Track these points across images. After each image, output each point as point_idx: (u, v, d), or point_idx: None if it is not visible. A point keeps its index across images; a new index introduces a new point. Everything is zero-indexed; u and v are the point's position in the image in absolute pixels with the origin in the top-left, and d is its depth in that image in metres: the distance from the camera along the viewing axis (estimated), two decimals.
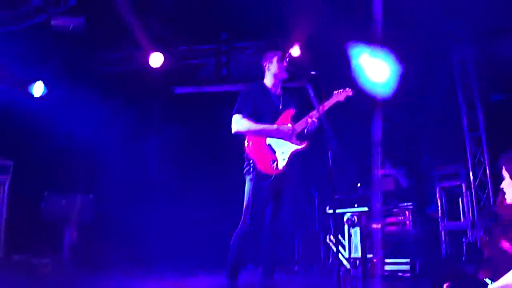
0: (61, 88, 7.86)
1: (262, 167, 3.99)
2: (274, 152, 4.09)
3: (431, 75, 7.06)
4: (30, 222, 7.15)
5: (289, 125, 4.20)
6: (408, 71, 6.54)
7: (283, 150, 4.12)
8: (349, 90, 4.38)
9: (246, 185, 4.08)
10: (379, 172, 6.42)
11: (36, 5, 6.57)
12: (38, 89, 7.77)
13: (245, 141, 4.10)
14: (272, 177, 4.00)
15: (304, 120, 4.23)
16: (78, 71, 7.87)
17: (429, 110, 7.15)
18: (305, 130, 4.22)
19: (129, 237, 7.21)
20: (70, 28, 6.54)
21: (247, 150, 4.07)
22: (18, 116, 7.35)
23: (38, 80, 7.75)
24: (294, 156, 4.15)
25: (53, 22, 6.53)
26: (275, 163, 4.04)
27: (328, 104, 4.23)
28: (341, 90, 4.37)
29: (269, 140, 4.11)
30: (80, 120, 7.59)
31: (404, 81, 6.52)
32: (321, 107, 4.08)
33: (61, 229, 7.45)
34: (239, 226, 4.02)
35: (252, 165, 4.01)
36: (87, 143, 7.83)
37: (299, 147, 4.19)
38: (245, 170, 4.11)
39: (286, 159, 4.10)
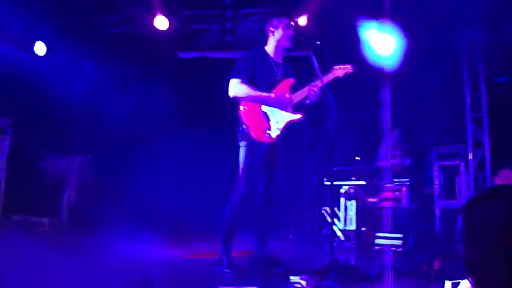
0: (62, 48, 7.79)
1: (255, 134, 3.99)
2: (269, 120, 4.08)
3: (436, 54, 6.98)
4: (29, 182, 7.19)
5: (286, 95, 4.17)
6: (414, 48, 6.48)
7: (278, 120, 4.11)
8: (349, 66, 4.29)
9: (240, 150, 4.09)
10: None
11: None
12: (40, 49, 7.71)
13: (241, 106, 4.08)
14: (265, 145, 4.00)
15: (303, 90, 4.20)
16: (80, 32, 7.78)
17: (433, 88, 7.10)
18: (307, 100, 4.20)
19: (127, 198, 7.26)
20: None
21: (241, 115, 4.05)
22: (19, 75, 7.31)
23: (39, 40, 7.67)
24: (288, 126, 4.15)
25: None
26: (268, 131, 4.04)
27: (326, 78, 4.16)
28: (341, 66, 4.28)
29: (264, 108, 4.09)
30: (80, 81, 7.55)
31: (409, 57, 6.46)
32: (320, 80, 4.05)
33: (60, 189, 7.51)
34: (234, 191, 4.04)
35: (245, 130, 3.99)
36: (88, 104, 7.82)
37: (295, 117, 4.18)
38: (238, 135, 4.10)
39: (280, 129, 4.10)
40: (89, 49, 7.80)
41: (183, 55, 8.45)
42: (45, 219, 6.81)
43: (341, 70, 4.25)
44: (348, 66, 4.28)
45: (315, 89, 4.15)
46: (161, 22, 7.31)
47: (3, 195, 7.02)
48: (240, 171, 4.04)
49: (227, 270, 3.85)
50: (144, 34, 7.63)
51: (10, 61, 7.26)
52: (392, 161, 6.72)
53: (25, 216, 6.91)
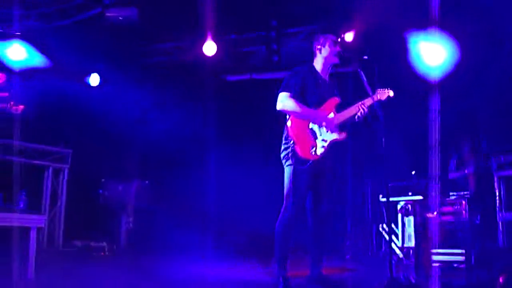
0: (116, 78, 8.09)
1: (301, 150, 3.96)
2: (316, 137, 4.05)
3: (488, 58, 6.77)
4: (88, 208, 7.44)
5: (332, 114, 4.15)
6: (464, 54, 6.31)
7: (324, 137, 4.08)
8: (391, 90, 4.27)
9: (286, 170, 4.05)
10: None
11: None
12: (94, 80, 8.03)
13: (288, 122, 4.06)
14: (310, 162, 3.97)
15: (353, 107, 4.17)
16: (132, 62, 8.06)
17: (488, 96, 6.87)
18: (356, 117, 4.16)
19: (183, 222, 7.37)
20: (123, 18, 6.68)
21: (289, 130, 4.02)
22: (76, 107, 7.63)
23: (94, 72, 8.00)
24: (333, 144, 4.12)
25: (107, 14, 6.69)
26: (314, 148, 4.01)
27: (368, 101, 4.13)
28: (384, 89, 4.25)
29: (311, 125, 4.08)
30: (134, 109, 7.79)
31: (462, 65, 6.30)
32: (362, 103, 4.06)
33: (118, 215, 7.73)
34: (282, 212, 4.01)
35: (291, 147, 3.97)
36: (142, 131, 8.05)
37: (339, 137, 4.15)
38: (283, 154, 4.06)
39: (325, 146, 4.07)
40: (141, 77, 8.05)
41: (230, 78, 8.57)
42: (104, 243, 7.00)
43: (383, 93, 4.22)
44: (389, 90, 4.25)
45: (364, 107, 4.12)
46: (209, 48, 7.46)
47: (64, 221, 7.28)
48: (287, 191, 4.01)
49: None
50: (193, 60, 7.81)
51: (68, 93, 7.60)
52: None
53: (85, 241, 7.14)
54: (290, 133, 4.00)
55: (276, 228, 4.01)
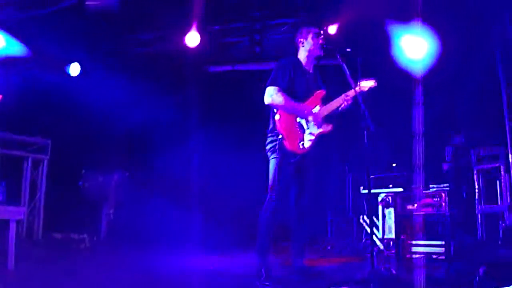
0: (96, 68, 7.98)
1: (289, 144, 3.98)
2: (304, 131, 4.08)
3: (471, 54, 6.83)
4: (68, 200, 7.35)
5: (317, 107, 4.17)
6: (447, 48, 6.36)
7: (311, 131, 4.11)
8: (374, 81, 4.30)
9: (271, 162, 4.08)
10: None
11: None
12: (74, 69, 7.91)
13: (276, 115, 4.06)
14: (298, 156, 4.00)
15: (336, 101, 4.21)
16: (113, 51, 7.96)
17: (468, 89, 6.94)
18: (340, 108, 4.20)
19: (165, 213, 7.34)
20: (103, 7, 6.58)
21: (277, 124, 4.03)
22: (55, 97, 7.51)
23: (74, 61, 7.88)
24: (319, 137, 4.14)
25: (87, 2, 6.58)
26: (302, 142, 4.04)
27: (352, 93, 4.16)
28: (366, 80, 4.28)
29: (299, 118, 4.09)
30: (115, 99, 7.69)
31: (443, 59, 6.34)
32: (346, 94, 4.14)
33: (99, 206, 7.67)
34: (266, 203, 4.04)
35: (278, 141, 3.98)
36: (123, 122, 7.96)
37: (326, 128, 4.18)
38: (269, 147, 4.09)
39: (312, 140, 4.09)
40: (121, 67, 7.96)
41: (213, 69, 8.53)
42: (85, 236, 6.94)
43: (366, 84, 4.26)
44: (372, 80, 4.28)
45: (348, 98, 4.15)
46: (192, 39, 7.39)
47: (44, 213, 7.19)
48: (271, 182, 4.03)
49: (266, 283, 3.82)
50: (175, 51, 7.74)
51: (47, 83, 7.48)
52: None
53: (66, 233, 7.06)
54: (278, 127, 4.01)
55: (259, 219, 4.03)
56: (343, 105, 4.20)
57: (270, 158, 4.08)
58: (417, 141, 6.01)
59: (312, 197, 4.24)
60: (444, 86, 6.91)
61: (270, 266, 3.97)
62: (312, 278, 4.03)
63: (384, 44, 6.48)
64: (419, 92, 6.07)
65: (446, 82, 6.80)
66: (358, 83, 4.20)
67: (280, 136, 3.99)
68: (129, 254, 6.11)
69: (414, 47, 6.56)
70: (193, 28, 7.27)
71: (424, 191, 6.46)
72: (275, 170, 4.00)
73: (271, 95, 4.03)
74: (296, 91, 4.11)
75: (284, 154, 3.97)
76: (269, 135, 4.13)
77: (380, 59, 6.38)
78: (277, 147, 3.99)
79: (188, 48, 7.47)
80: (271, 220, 3.99)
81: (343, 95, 4.18)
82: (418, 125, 6.11)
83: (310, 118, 4.10)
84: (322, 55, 4.26)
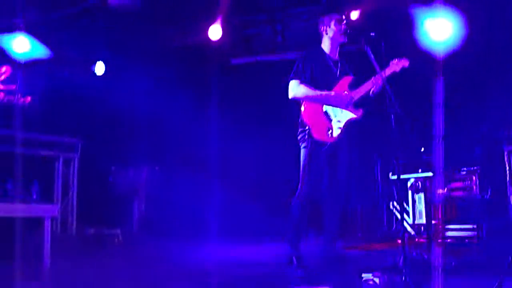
0: (121, 66, 8.08)
1: (317, 134, 3.97)
2: (330, 120, 4.05)
3: (497, 32, 6.68)
4: (100, 196, 7.50)
5: (346, 92, 4.14)
6: (472, 30, 6.24)
7: (339, 118, 4.08)
8: (406, 60, 4.24)
9: (301, 152, 4.09)
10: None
11: None
12: (99, 68, 8.03)
13: (301, 107, 4.06)
14: (327, 145, 3.99)
15: (365, 85, 4.17)
16: (136, 48, 8.03)
17: (495, 69, 6.80)
18: (371, 92, 4.16)
19: (194, 206, 7.43)
20: (126, 5, 6.65)
21: (303, 116, 4.04)
22: (82, 96, 7.64)
23: (99, 60, 8.00)
24: (349, 124, 4.11)
25: (110, 1, 6.66)
26: (330, 131, 4.02)
27: (385, 72, 4.10)
28: (398, 60, 4.23)
29: (325, 107, 4.07)
30: (140, 96, 7.79)
31: (468, 41, 6.23)
32: (383, 72, 4.02)
33: (130, 201, 7.80)
34: (297, 193, 4.04)
35: (307, 131, 3.99)
36: (150, 117, 8.07)
37: (355, 115, 4.15)
38: (299, 137, 4.10)
39: (342, 127, 4.07)
40: (145, 63, 8.03)
41: (235, 61, 8.54)
42: (117, 230, 7.06)
43: (399, 64, 4.21)
44: (404, 59, 4.23)
45: (378, 81, 4.11)
46: (215, 32, 7.42)
47: (77, 210, 7.35)
48: (302, 172, 4.04)
49: (298, 271, 3.84)
50: (197, 45, 7.77)
51: (73, 83, 7.61)
52: None
53: (98, 229, 7.20)
54: (305, 119, 4.01)
55: (291, 207, 4.04)
56: (373, 89, 4.16)
57: (301, 147, 4.09)
58: (437, 125, 5.93)
59: (345, 185, 4.21)
60: (469, 70, 6.79)
61: (302, 254, 3.99)
62: (344, 265, 4.03)
63: (408, 26, 6.39)
64: (440, 76, 5.97)
65: (471, 65, 6.67)
66: (390, 63, 4.15)
67: (307, 127, 3.99)
68: (162, 247, 6.19)
69: (438, 29, 6.45)
70: (215, 21, 7.29)
71: (455, 174, 6.38)
72: (305, 159, 4.00)
73: (293, 89, 4.05)
74: (320, 81, 4.09)
75: (313, 143, 3.97)
76: (299, 127, 4.13)
77: (404, 42, 6.30)
78: (306, 136, 4.00)
79: (210, 41, 7.50)
80: (302, 209, 4.00)
81: (372, 78, 4.14)
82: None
83: (337, 103, 4.07)
84: (346, 41, 4.22)
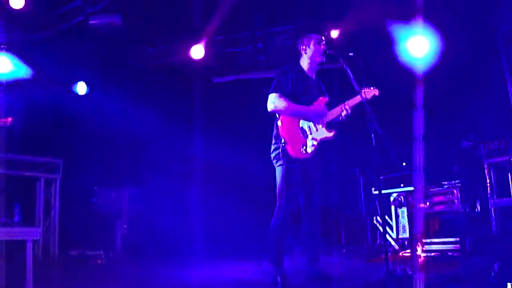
0: (103, 85, 8.07)
1: (291, 149, 4.00)
2: (306, 136, 4.10)
3: (474, 48, 6.83)
4: (82, 217, 7.42)
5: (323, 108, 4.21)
6: (449, 45, 6.37)
7: (314, 136, 4.15)
8: (376, 89, 4.35)
9: (277, 170, 4.11)
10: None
11: (75, 5, 6.74)
12: (81, 88, 8.01)
13: (279, 121, 4.09)
14: (301, 161, 4.01)
15: (337, 109, 4.24)
16: (118, 68, 8.04)
17: (473, 84, 6.94)
18: (340, 118, 4.23)
19: (177, 226, 7.38)
20: (106, 25, 6.67)
21: (280, 130, 4.06)
22: (64, 116, 7.61)
23: (80, 80, 7.98)
24: (321, 143, 4.17)
25: (91, 22, 6.68)
26: (304, 147, 4.06)
27: (353, 102, 4.21)
28: (368, 88, 4.33)
29: (302, 124, 4.12)
30: (123, 115, 7.78)
31: (446, 56, 6.35)
32: (346, 104, 4.19)
33: (112, 222, 7.73)
34: (276, 211, 4.06)
35: (282, 147, 4.01)
36: (132, 137, 8.05)
37: (328, 135, 4.22)
38: (274, 154, 4.12)
39: (315, 145, 4.12)
40: (127, 83, 8.04)
41: (217, 80, 8.58)
42: (100, 251, 6.99)
43: (369, 92, 4.31)
44: (375, 89, 4.33)
45: (347, 108, 4.20)
46: (197, 52, 7.46)
47: (59, 231, 7.26)
48: (279, 189, 4.06)
49: None
50: (179, 63, 7.81)
51: (55, 103, 7.57)
52: None
53: (82, 250, 7.12)
54: (281, 132, 4.03)
55: (270, 227, 4.05)
56: (343, 114, 4.22)
57: (276, 165, 4.12)
58: (417, 141, 6.00)
59: (319, 203, 4.25)
60: (448, 84, 6.91)
61: (286, 273, 3.98)
62: (327, 282, 4.03)
63: (387, 44, 6.50)
64: (419, 91, 6.05)
65: (450, 79, 6.79)
66: (362, 91, 4.22)
67: (283, 141, 4.01)
68: (145, 268, 6.14)
69: (416, 46, 6.57)
70: (199, 41, 7.34)
71: (436, 189, 6.45)
72: (282, 177, 4.02)
73: (273, 102, 4.07)
74: (299, 97, 4.13)
75: (288, 160, 3.99)
76: (273, 142, 4.16)
77: (384, 60, 6.40)
78: (281, 154, 4.01)
79: (192, 60, 7.54)
80: (282, 226, 4.01)
81: (342, 104, 4.22)
82: (419, 128, 6.10)
83: (318, 120, 4.12)
84: (324, 61, 4.28)
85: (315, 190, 4.21)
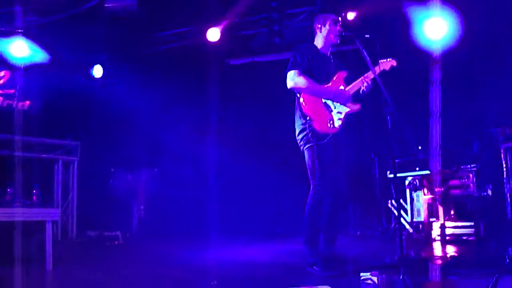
0: (119, 69, 8.12)
1: (318, 125, 3.94)
2: (331, 111, 4.05)
3: (493, 31, 6.72)
4: (100, 199, 7.54)
5: (342, 87, 4.16)
6: (468, 27, 6.27)
7: (339, 110, 4.09)
8: (394, 60, 4.30)
9: (306, 152, 4.01)
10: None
11: None
12: (97, 71, 8.07)
13: (301, 99, 4.03)
14: (330, 136, 3.98)
15: (357, 82, 4.19)
16: (134, 51, 8.07)
17: (491, 67, 6.83)
18: (361, 91, 4.19)
19: (193, 208, 7.47)
20: (123, 9, 6.66)
21: (303, 108, 4.00)
22: (81, 99, 7.69)
23: (97, 63, 8.03)
24: (348, 117, 4.13)
25: (106, 4, 6.68)
26: (331, 121, 4.00)
27: (374, 72, 4.13)
28: (387, 59, 4.28)
29: (324, 99, 4.08)
30: (139, 99, 7.83)
31: (464, 39, 6.26)
32: (366, 76, 4.11)
33: (129, 203, 7.85)
34: (310, 193, 4.00)
35: (309, 126, 3.95)
36: (148, 120, 8.10)
37: (354, 107, 4.17)
38: (301, 136, 4.02)
39: (342, 118, 4.08)
40: (143, 66, 8.07)
41: (234, 62, 8.57)
42: (118, 233, 7.10)
43: (387, 63, 4.26)
44: (392, 60, 4.28)
45: (368, 80, 4.15)
46: (213, 34, 7.45)
47: (77, 213, 7.39)
48: (312, 171, 3.97)
49: (323, 273, 3.83)
50: (195, 46, 7.81)
51: (72, 86, 7.64)
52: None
53: (99, 231, 7.25)
54: (305, 110, 3.98)
55: (306, 210, 3.98)
56: (363, 88, 4.17)
57: (305, 148, 4.03)
58: (434, 123, 5.96)
59: (345, 180, 4.14)
60: (466, 67, 6.82)
61: (321, 254, 3.98)
62: (343, 264, 4.04)
63: (404, 26, 6.43)
64: (437, 72, 6.01)
65: (468, 62, 6.71)
66: (379, 63, 4.19)
67: (308, 118, 3.97)
68: (161, 249, 6.23)
69: (434, 28, 6.49)
70: (215, 25, 7.32)
71: (452, 172, 6.41)
72: (314, 158, 3.95)
73: (293, 79, 4.02)
74: (316, 74, 4.09)
75: (317, 139, 3.93)
76: (299, 123, 4.07)
77: (400, 42, 6.34)
78: (309, 135, 3.94)
79: (208, 43, 7.53)
80: (318, 208, 3.96)
81: (362, 77, 4.17)
82: (435, 105, 6.06)
83: (337, 100, 4.08)
84: (338, 43, 4.24)
85: (342, 168, 4.12)
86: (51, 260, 4.46)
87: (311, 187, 4.01)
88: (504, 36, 6.64)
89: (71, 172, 7.45)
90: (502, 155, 6.54)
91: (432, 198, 6.40)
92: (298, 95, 4.09)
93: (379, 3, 6.58)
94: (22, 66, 7.01)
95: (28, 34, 6.87)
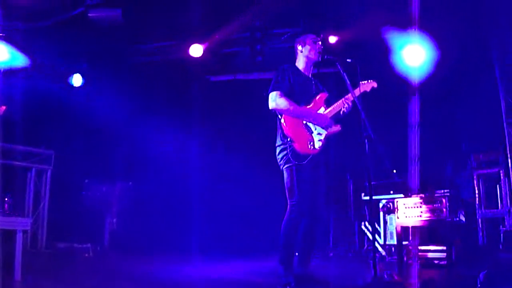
0: (98, 79, 8.06)
1: (299, 146, 3.95)
2: (311, 132, 4.06)
3: (468, 59, 6.91)
4: (72, 210, 7.41)
5: (323, 108, 4.20)
6: (445, 55, 6.44)
7: (320, 131, 4.10)
8: (374, 82, 4.36)
9: (285, 172, 4.01)
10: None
11: None
12: (77, 80, 7.98)
13: (282, 120, 4.04)
14: (310, 157, 4.00)
15: (338, 103, 4.23)
16: (115, 62, 8.03)
17: (466, 95, 7.01)
18: (341, 112, 4.23)
19: (168, 223, 7.39)
20: (106, 19, 6.65)
21: (284, 128, 4.01)
22: (58, 108, 7.60)
23: (76, 72, 7.96)
24: (327, 139, 4.16)
25: (90, 14, 6.66)
26: (312, 143, 4.02)
27: (356, 92, 4.19)
28: (367, 81, 4.34)
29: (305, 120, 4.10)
30: (118, 110, 7.77)
31: (441, 65, 6.41)
32: (346, 98, 4.15)
33: (102, 216, 7.72)
34: (287, 213, 3.98)
35: (289, 146, 3.95)
36: (126, 132, 8.03)
37: (334, 129, 4.20)
38: (281, 156, 4.02)
39: (322, 140, 4.10)
40: (124, 78, 8.03)
41: (214, 79, 8.60)
42: (88, 245, 6.98)
43: (367, 85, 4.31)
44: (373, 81, 4.34)
45: (348, 102, 4.19)
46: (196, 50, 7.47)
47: (47, 222, 7.24)
48: (290, 191, 3.96)
49: None
50: (177, 61, 7.81)
51: (50, 94, 7.55)
52: None
53: (70, 243, 7.11)
54: (286, 131, 3.99)
55: (282, 229, 3.94)
56: (343, 109, 4.21)
57: (284, 167, 4.03)
58: (412, 147, 6.06)
59: (324, 201, 4.15)
60: (443, 93, 6.98)
61: (295, 274, 3.94)
62: (316, 285, 4.03)
63: (383, 51, 6.56)
64: (415, 100, 6.13)
65: (445, 88, 6.86)
66: (360, 84, 4.24)
67: (289, 139, 3.98)
68: (133, 263, 6.14)
69: (412, 54, 6.64)
70: (199, 41, 7.36)
71: (425, 197, 6.50)
72: (292, 178, 3.95)
73: (275, 100, 4.03)
74: (297, 96, 4.12)
75: (297, 159, 3.94)
76: (280, 143, 4.09)
77: (380, 67, 6.46)
78: (289, 155, 3.95)
79: (190, 58, 7.55)
80: (294, 229, 3.94)
81: (343, 98, 4.21)
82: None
83: (317, 122, 4.10)
84: (319, 60, 4.29)
85: (321, 188, 4.13)
86: (19, 270, 4.36)
87: (288, 207, 4.01)
88: (478, 63, 6.84)
89: (43, 181, 7.32)
90: (475, 182, 6.69)
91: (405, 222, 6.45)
92: (279, 116, 4.10)
93: (360, 29, 6.72)
94: (1, 71, 6.90)
95: (9, 39, 6.78)
